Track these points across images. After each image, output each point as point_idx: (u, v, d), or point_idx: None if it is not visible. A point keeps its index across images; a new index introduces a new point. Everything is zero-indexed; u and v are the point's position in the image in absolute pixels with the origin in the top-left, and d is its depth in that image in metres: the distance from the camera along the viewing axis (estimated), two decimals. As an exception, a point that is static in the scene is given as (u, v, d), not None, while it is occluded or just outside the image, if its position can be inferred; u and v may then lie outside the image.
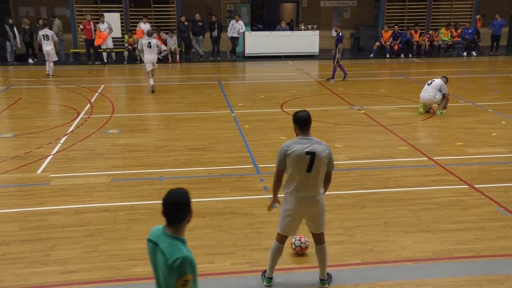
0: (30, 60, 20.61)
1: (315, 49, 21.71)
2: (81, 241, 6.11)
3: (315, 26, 22.32)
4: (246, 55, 21.62)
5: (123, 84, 16.80)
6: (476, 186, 7.73)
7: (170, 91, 15.43)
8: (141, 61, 17.34)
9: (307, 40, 21.82)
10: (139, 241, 6.09)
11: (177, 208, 3.15)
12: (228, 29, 21.49)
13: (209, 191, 7.56)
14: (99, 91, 14.99)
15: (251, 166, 8.67)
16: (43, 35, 17.15)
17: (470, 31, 22.37)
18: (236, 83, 17.43)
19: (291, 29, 23.15)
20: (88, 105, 13.23)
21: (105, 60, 20.08)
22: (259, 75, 18.67)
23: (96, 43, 19.88)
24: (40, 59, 20.62)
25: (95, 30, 20.00)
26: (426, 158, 9.01)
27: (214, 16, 21.50)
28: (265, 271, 5.27)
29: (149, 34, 14.78)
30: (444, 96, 11.78)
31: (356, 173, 8.35)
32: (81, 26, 20.08)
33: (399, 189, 7.65)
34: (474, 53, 22.50)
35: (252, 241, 6.12)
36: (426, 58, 21.92)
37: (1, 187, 7.91)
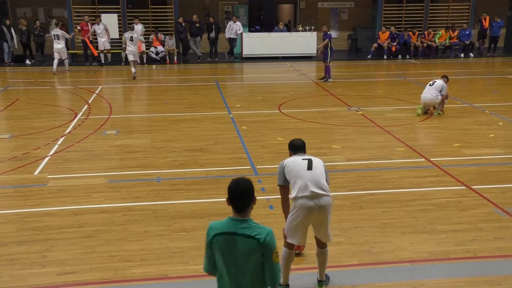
0: (28, 61, 20.60)
1: (312, 50, 21.72)
2: (78, 242, 6.10)
3: (312, 27, 22.34)
4: (243, 56, 21.63)
5: (120, 85, 16.78)
6: (473, 187, 7.74)
7: (168, 92, 15.43)
8: (127, 62, 18.45)
9: (304, 41, 21.85)
10: (137, 242, 6.09)
11: (245, 195, 3.36)
12: (226, 30, 21.50)
13: (206, 192, 7.54)
14: (96, 92, 14.97)
15: (249, 167, 8.66)
16: (54, 35, 18.20)
17: (467, 32, 22.42)
18: (233, 84, 17.43)
19: (289, 30, 23.17)
20: (86, 106, 13.22)
21: (103, 61, 20.07)
22: (257, 76, 18.68)
23: (95, 53, 19.97)
24: (38, 60, 20.64)
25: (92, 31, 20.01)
26: (423, 159, 9.02)
27: (211, 17, 21.52)
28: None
29: (132, 29, 17.12)
30: (442, 97, 11.80)
31: (354, 174, 8.36)
32: (78, 27, 20.05)
33: (397, 190, 7.66)
34: (471, 54, 22.55)
35: (250, 242, 6.10)
36: (424, 59, 21.97)
37: (-2, 188, 7.90)
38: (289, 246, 5.06)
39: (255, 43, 21.61)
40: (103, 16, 20.31)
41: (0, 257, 5.79)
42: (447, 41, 22.39)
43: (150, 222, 6.58)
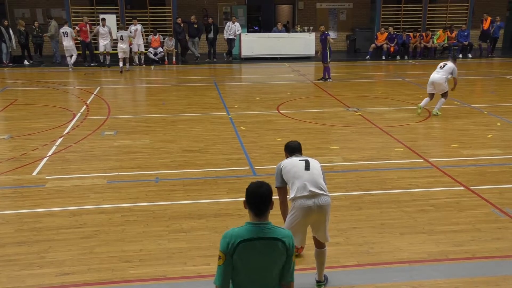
0: (26, 62, 20.58)
1: (311, 51, 21.74)
2: (76, 243, 6.09)
3: (311, 28, 22.35)
4: (242, 56, 21.63)
5: (119, 85, 16.77)
6: (472, 187, 7.75)
7: (166, 92, 15.43)
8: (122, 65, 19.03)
9: (303, 42, 21.86)
10: (135, 242, 6.08)
11: (265, 199, 3.38)
12: (224, 31, 21.50)
13: (205, 193, 7.54)
14: (95, 93, 14.96)
15: (248, 167, 8.66)
16: (63, 32, 19.22)
17: (465, 33, 22.44)
18: (232, 85, 17.43)
19: (287, 31, 23.17)
20: (84, 106, 13.21)
21: (107, 63, 20.05)
22: (255, 77, 18.68)
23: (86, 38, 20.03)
24: (36, 61, 20.61)
25: (91, 32, 19.99)
26: (422, 160, 9.03)
27: (210, 18, 21.52)
28: None
29: (121, 28, 18.77)
30: (454, 80, 11.98)
31: (352, 174, 8.36)
32: (77, 28, 20.04)
33: (395, 191, 7.66)
34: (469, 55, 22.57)
35: (248, 243, 6.10)
36: (422, 60, 21.98)
37: (-4, 189, 7.89)
38: None
39: (254, 43, 21.62)
40: (101, 17, 20.29)
41: (-2, 258, 5.79)
42: (446, 42, 22.41)
43: (148, 222, 6.58)
